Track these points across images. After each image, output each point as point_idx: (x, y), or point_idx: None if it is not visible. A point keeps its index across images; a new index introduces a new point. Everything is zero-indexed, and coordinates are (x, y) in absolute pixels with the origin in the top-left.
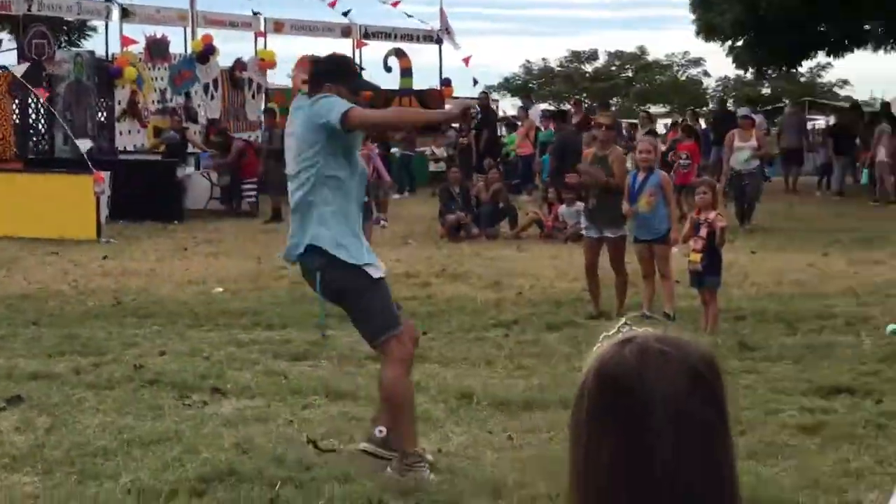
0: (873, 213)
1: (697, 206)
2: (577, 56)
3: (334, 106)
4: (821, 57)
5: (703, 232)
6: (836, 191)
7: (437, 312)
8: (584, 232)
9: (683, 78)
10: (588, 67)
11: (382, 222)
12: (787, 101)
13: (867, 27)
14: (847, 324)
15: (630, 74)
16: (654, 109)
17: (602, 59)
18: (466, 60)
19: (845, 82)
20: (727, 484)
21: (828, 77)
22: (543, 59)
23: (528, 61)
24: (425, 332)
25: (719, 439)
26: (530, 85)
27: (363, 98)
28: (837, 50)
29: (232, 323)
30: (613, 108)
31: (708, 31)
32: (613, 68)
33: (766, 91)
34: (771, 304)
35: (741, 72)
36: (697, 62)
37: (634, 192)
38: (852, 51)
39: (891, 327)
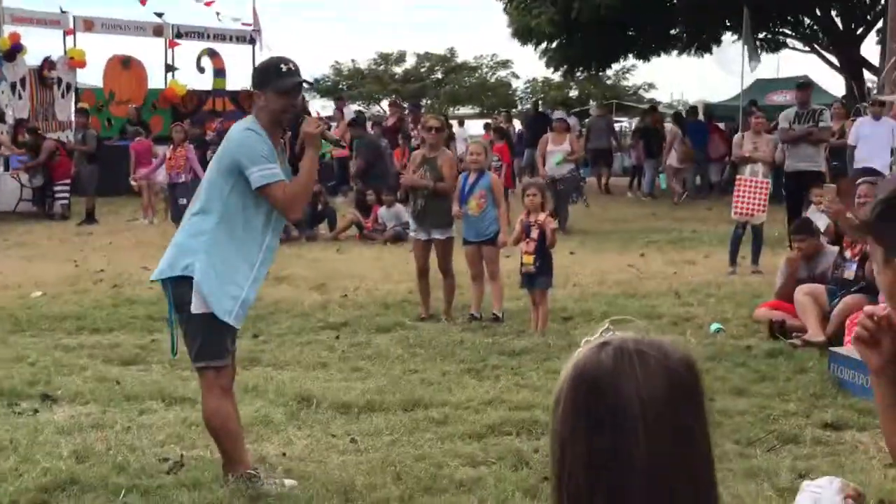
0: (682, 213)
1: (527, 208)
2: (385, 58)
3: (253, 162)
4: (630, 60)
5: (535, 234)
6: (647, 192)
7: (266, 315)
8: (412, 234)
9: (493, 80)
10: (398, 69)
11: None
12: (593, 103)
13: (673, 32)
14: (672, 323)
15: (439, 76)
16: (463, 111)
17: (411, 61)
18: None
19: (651, 85)
20: (705, 485)
21: (633, 80)
22: (353, 61)
23: (337, 62)
24: (256, 335)
25: (698, 442)
26: (340, 86)
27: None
28: (646, 54)
29: (55, 328)
30: (423, 110)
31: (523, 33)
32: (423, 70)
33: (573, 93)
34: (596, 305)
35: (550, 74)
36: (506, 64)
37: (465, 193)
38: (658, 55)
39: (714, 326)
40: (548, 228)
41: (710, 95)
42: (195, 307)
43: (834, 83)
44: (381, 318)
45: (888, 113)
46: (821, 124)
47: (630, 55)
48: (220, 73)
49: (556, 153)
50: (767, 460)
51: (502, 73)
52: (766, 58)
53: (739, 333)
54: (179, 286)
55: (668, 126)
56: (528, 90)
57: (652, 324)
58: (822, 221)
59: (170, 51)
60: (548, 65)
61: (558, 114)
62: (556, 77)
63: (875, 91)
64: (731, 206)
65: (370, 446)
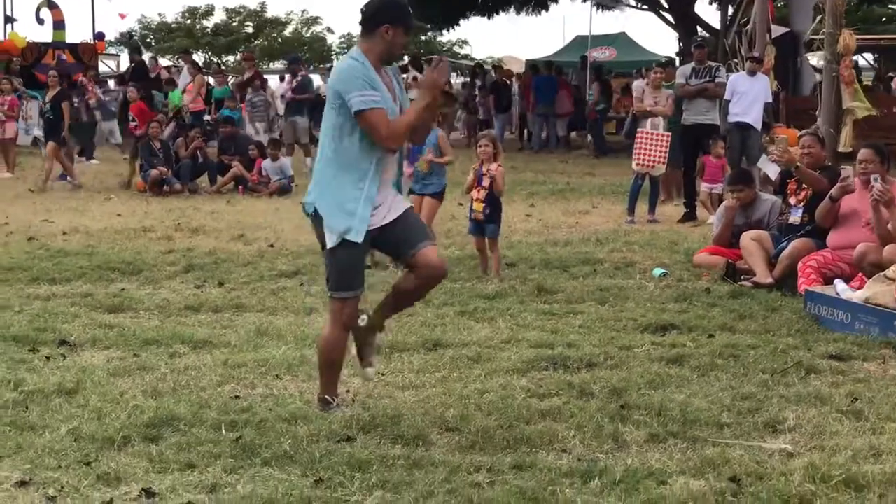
0: (541, 166)
1: (480, 158)
2: (193, 11)
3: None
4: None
5: (486, 182)
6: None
7: (209, 264)
8: None
9: (308, 35)
10: (207, 23)
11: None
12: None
13: None
14: (615, 268)
15: (250, 30)
16: (277, 65)
17: (220, 15)
18: (122, 15)
19: (464, 42)
20: None
21: (448, 37)
22: (160, 15)
23: (143, 16)
24: (221, 283)
25: None
26: (148, 41)
27: None
28: (488, 11)
29: (9, 278)
30: (233, 64)
31: None
32: (234, 24)
33: None
34: (529, 252)
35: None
36: (316, 20)
37: (414, 150)
38: (498, 13)
39: (658, 271)
40: (498, 176)
41: (531, 52)
42: (329, 242)
43: (652, 41)
44: None
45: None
46: (717, 80)
47: (475, 13)
48: (59, 25)
49: None
50: (809, 388)
51: (317, 28)
52: (583, 14)
53: (686, 277)
54: (317, 226)
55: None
56: (344, 45)
57: (597, 269)
58: (772, 170)
59: (8, 2)
60: None
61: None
62: None
63: (721, 50)
64: (589, 158)
65: (425, 381)
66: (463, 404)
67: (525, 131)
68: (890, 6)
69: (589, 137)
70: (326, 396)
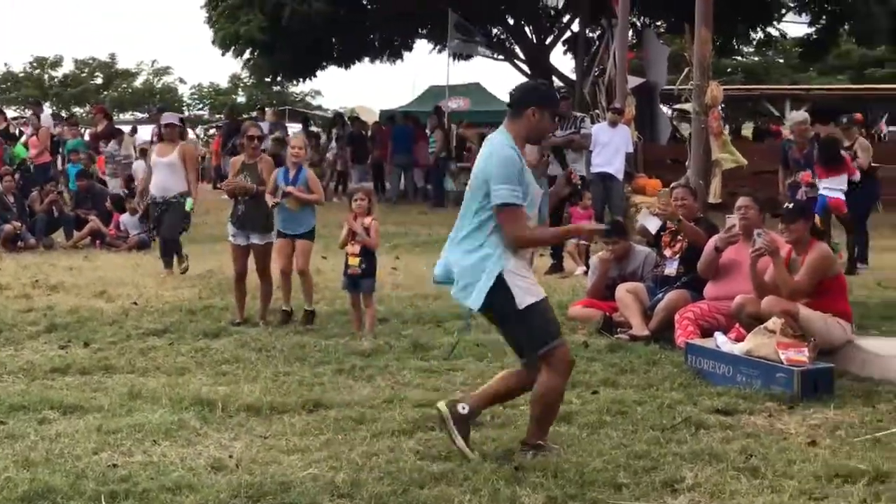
0: (400, 217)
1: (354, 212)
2: (41, 62)
3: (508, 182)
4: (333, 68)
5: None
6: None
7: (72, 324)
8: (231, 239)
9: (159, 85)
10: (56, 73)
11: None
12: (268, 110)
13: (369, 39)
14: (490, 322)
15: (100, 81)
16: (127, 116)
17: (70, 66)
18: None
19: (318, 92)
20: None
21: (301, 87)
22: (6, 65)
23: None
24: (87, 344)
25: None
26: None
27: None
28: (345, 61)
29: None
30: (82, 115)
31: (229, 40)
32: (83, 74)
33: (241, 99)
34: (400, 306)
35: (215, 80)
36: (167, 70)
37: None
38: (355, 63)
39: None
40: (373, 230)
41: (383, 102)
42: (519, 305)
43: (506, 91)
44: (198, 324)
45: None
46: (582, 131)
47: (331, 63)
48: None
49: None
50: (701, 444)
51: (168, 78)
52: (440, 64)
53: (562, 330)
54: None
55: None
56: (195, 96)
57: (471, 323)
58: (653, 224)
59: None
60: (252, 72)
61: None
62: (223, 84)
63: (579, 100)
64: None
65: (310, 445)
66: (352, 468)
67: (382, 182)
68: (734, 57)
69: (428, 186)
70: (541, 443)
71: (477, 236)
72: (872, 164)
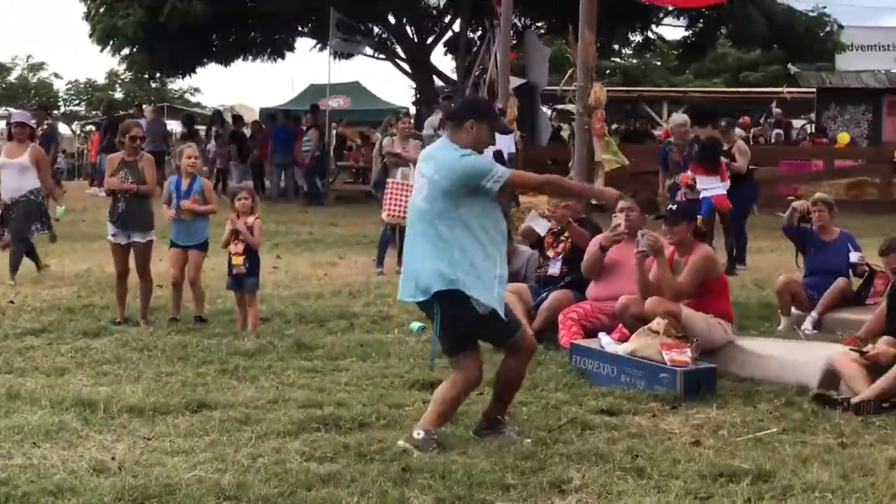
0: (281, 217)
1: (237, 211)
2: None
3: (489, 172)
4: (213, 65)
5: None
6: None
7: None
8: (111, 238)
9: (34, 80)
10: None
11: None
12: (147, 107)
13: (251, 37)
14: (373, 322)
15: None
16: (0, 111)
17: None
18: None
19: (196, 90)
20: None
21: (179, 84)
22: None
23: None
24: None
25: None
26: None
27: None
28: (226, 59)
29: None
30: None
31: (108, 34)
32: None
33: (118, 95)
34: (282, 305)
35: (92, 75)
36: (41, 66)
37: (178, 197)
38: (235, 60)
39: (415, 325)
40: (256, 229)
41: (264, 100)
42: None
43: (386, 90)
44: (77, 323)
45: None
46: None
47: (211, 60)
48: None
49: None
50: (587, 444)
51: (43, 74)
52: (321, 63)
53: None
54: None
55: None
56: (72, 91)
57: (354, 323)
58: (541, 226)
59: None
60: (130, 68)
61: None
62: (100, 80)
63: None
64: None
65: (194, 446)
66: (238, 470)
67: (262, 181)
68: (613, 59)
69: (304, 186)
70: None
71: (439, 245)
72: (750, 167)
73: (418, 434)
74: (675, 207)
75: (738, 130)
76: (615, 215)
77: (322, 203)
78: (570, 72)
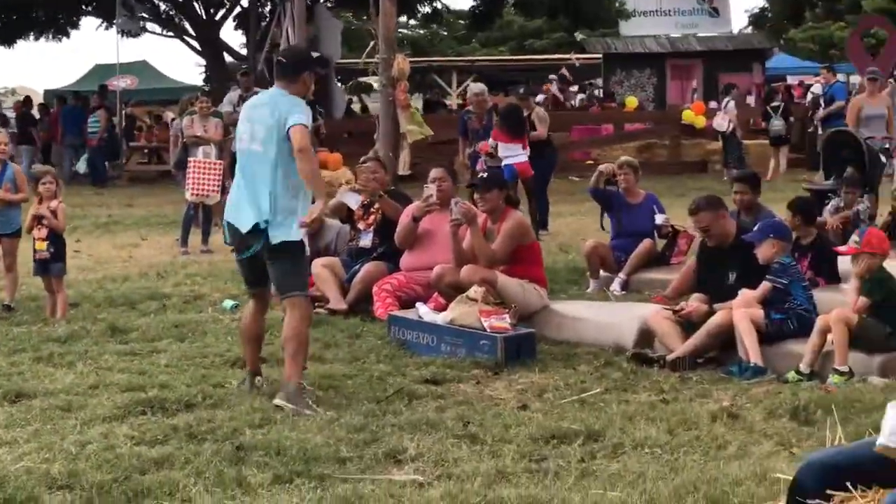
0: (72, 200)
1: (40, 195)
2: None
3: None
4: None
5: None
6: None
7: None
8: None
9: None
10: None
11: None
12: None
13: (36, 14)
14: (185, 302)
15: None
16: None
17: None
18: None
19: None
20: None
21: None
22: None
23: None
24: None
25: None
26: None
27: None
28: (9, 38)
29: None
30: None
31: None
32: None
33: None
34: (90, 290)
35: None
36: None
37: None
38: (18, 40)
39: (228, 303)
40: (60, 213)
41: (48, 82)
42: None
43: (174, 69)
44: None
45: None
46: None
47: None
48: None
49: None
50: (416, 414)
51: None
52: (108, 42)
53: None
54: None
55: None
56: None
57: (166, 304)
58: (353, 200)
59: None
60: None
61: None
62: None
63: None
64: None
65: (17, 437)
66: (67, 458)
67: (50, 163)
68: (400, 31)
69: (84, 168)
70: (302, 383)
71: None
72: (549, 134)
73: (287, 389)
74: (485, 175)
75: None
76: (426, 186)
77: (106, 185)
78: (371, 44)
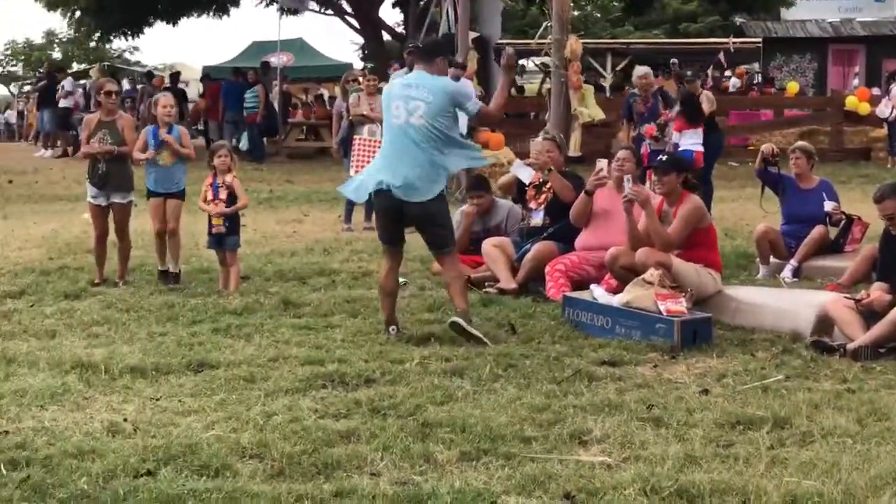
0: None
1: (216, 169)
2: None
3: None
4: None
5: (223, 194)
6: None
7: None
8: (90, 200)
9: None
10: None
11: None
12: (93, 66)
13: None
14: (354, 279)
15: None
16: None
17: None
18: None
19: (136, 48)
20: None
21: (117, 44)
22: None
23: None
24: None
25: None
26: None
27: None
28: (172, 17)
29: None
30: None
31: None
32: None
33: (57, 55)
34: (259, 264)
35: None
36: None
37: (157, 144)
38: (182, 18)
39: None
40: (236, 187)
41: (206, 59)
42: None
43: (329, 47)
44: (55, 285)
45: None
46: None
47: (158, 19)
48: None
49: None
50: (598, 396)
51: None
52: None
53: (428, 285)
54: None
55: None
56: (8, 52)
57: (335, 280)
58: (526, 174)
59: None
60: (77, 30)
61: None
62: (38, 39)
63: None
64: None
65: (205, 406)
66: (255, 429)
67: (207, 139)
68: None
69: (246, 145)
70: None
71: (433, 153)
72: (716, 119)
73: (461, 315)
74: (665, 158)
75: (733, 80)
76: (598, 160)
77: (264, 161)
78: (544, 24)
